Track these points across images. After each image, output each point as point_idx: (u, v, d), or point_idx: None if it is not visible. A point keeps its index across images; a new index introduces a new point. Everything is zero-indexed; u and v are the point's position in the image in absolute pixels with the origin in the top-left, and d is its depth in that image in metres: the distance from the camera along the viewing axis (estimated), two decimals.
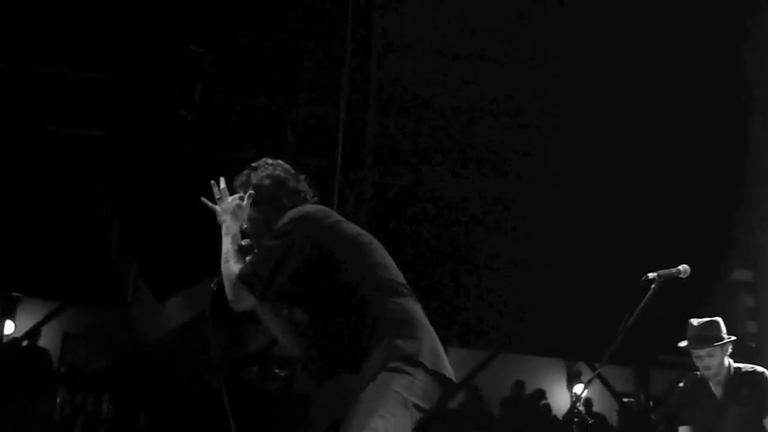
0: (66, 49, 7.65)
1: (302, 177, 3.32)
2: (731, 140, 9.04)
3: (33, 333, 10.64)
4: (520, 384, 12.55)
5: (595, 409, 12.76)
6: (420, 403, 2.84)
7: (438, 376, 2.92)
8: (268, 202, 3.19)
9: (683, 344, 4.60)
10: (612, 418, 13.13)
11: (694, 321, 4.61)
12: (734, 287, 10.07)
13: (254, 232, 3.20)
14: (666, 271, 4.16)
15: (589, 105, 9.34)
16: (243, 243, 3.18)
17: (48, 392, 9.47)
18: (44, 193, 8.70)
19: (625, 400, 13.63)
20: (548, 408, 12.69)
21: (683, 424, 4.68)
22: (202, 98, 8.19)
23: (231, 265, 3.03)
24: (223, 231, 3.15)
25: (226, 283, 3.04)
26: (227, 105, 8.47)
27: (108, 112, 8.00)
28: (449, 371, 2.96)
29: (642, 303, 4.08)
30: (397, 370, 2.81)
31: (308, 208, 3.16)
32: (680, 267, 4.11)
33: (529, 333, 12.16)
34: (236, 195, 3.22)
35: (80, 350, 11.43)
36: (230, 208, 3.17)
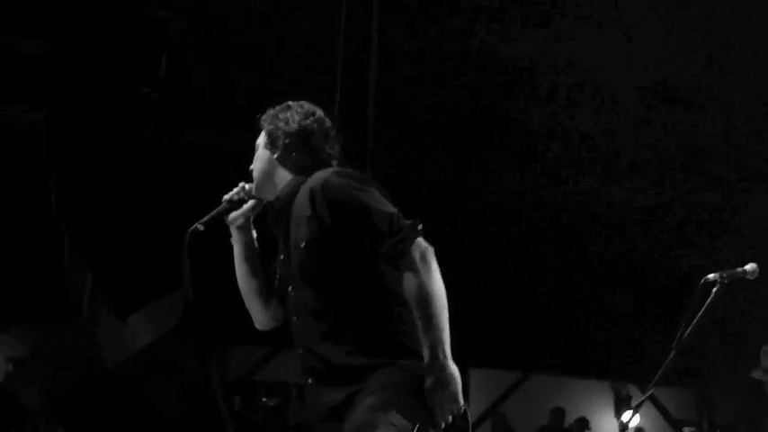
0: None
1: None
2: None
3: None
4: (559, 412, 12.56)
5: None
6: None
7: None
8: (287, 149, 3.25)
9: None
10: None
11: None
12: None
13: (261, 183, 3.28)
14: (730, 271, 4.09)
15: None
16: None
17: None
18: None
19: (685, 429, 13.64)
20: None
21: None
22: (168, 72, 8.16)
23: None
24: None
25: None
26: (197, 81, 8.47)
27: (50, 89, 7.94)
28: None
29: (701, 311, 4.01)
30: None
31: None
32: (747, 267, 4.04)
33: (567, 350, 12.14)
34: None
35: (27, 376, 11.49)
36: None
